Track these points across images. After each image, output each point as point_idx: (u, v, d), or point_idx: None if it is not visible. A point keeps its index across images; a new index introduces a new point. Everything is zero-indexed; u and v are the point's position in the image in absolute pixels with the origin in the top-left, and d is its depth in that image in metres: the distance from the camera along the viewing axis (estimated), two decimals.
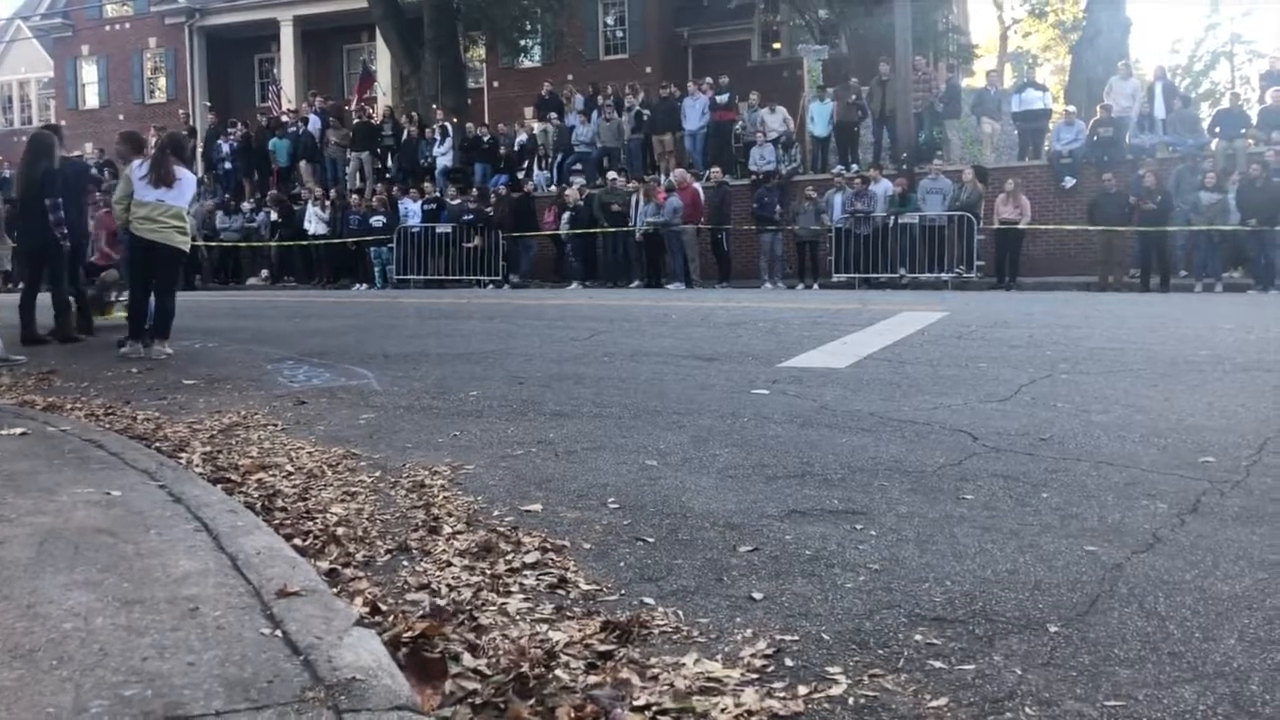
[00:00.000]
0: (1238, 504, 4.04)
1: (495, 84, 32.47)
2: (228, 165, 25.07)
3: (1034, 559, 3.47)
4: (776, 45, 31.72)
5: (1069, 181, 17.80)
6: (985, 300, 13.97)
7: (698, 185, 18.82)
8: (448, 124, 23.03)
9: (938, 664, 2.69)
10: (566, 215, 19.71)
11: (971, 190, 17.04)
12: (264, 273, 23.56)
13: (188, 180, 9.50)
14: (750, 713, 2.41)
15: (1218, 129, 17.97)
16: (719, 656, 2.74)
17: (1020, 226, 16.58)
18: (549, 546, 3.64)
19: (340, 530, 3.85)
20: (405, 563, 3.53)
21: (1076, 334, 9.41)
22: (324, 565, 3.42)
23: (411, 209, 21.30)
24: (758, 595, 3.19)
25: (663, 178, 19.86)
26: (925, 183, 17.63)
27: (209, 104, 33.02)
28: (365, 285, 21.34)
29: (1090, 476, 4.51)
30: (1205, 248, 15.70)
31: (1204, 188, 15.53)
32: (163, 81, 36.84)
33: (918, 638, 2.85)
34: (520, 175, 22.13)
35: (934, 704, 2.46)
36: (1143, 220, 15.65)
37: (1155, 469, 4.61)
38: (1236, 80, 38.77)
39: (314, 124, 24.57)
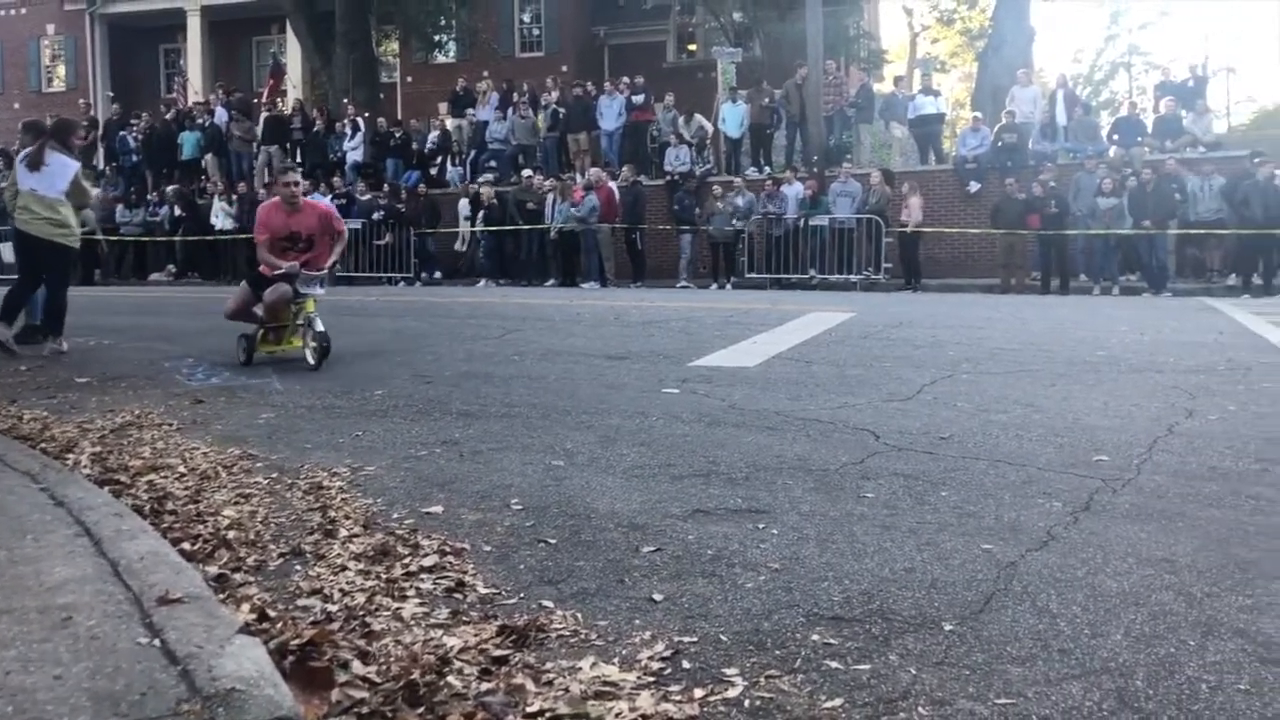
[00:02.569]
0: (1128, 502, 4.14)
1: (409, 79, 32.02)
2: (133, 158, 24.28)
3: (931, 557, 3.51)
4: (692, 47, 31.84)
5: (974, 186, 18.18)
6: (891, 301, 14.20)
7: (613, 185, 18.80)
8: (359, 119, 22.63)
9: (834, 664, 2.69)
10: (481, 213, 19.52)
11: (880, 194, 17.31)
12: (169, 268, 22.87)
13: (58, 166, 8.87)
14: (645, 717, 2.39)
15: (1115, 136, 18.52)
16: (616, 660, 2.71)
17: (910, 229, 16.87)
18: (448, 549, 3.58)
19: (232, 534, 3.73)
20: (298, 567, 3.43)
21: (978, 335, 9.60)
22: (212, 570, 3.31)
23: None
24: (658, 596, 3.17)
25: (578, 177, 19.79)
26: (835, 186, 17.85)
27: (111, 94, 31.95)
28: None
29: (988, 475, 4.59)
30: (1102, 251, 16.17)
31: (1101, 193, 16.00)
32: (62, 70, 35.53)
33: (815, 638, 2.86)
34: (433, 171, 21.85)
35: (829, 705, 2.47)
36: (1043, 224, 16.06)
37: (1051, 468, 4.71)
38: (1134, 90, 40.16)
39: (221, 117, 23.93)
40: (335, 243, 8.47)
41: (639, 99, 20.78)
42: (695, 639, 2.85)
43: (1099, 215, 15.92)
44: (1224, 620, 2.95)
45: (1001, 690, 2.55)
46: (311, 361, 7.87)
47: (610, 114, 20.77)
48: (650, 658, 2.71)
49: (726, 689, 2.54)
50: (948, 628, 2.92)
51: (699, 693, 2.51)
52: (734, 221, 17.94)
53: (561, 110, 21.40)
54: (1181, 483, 4.40)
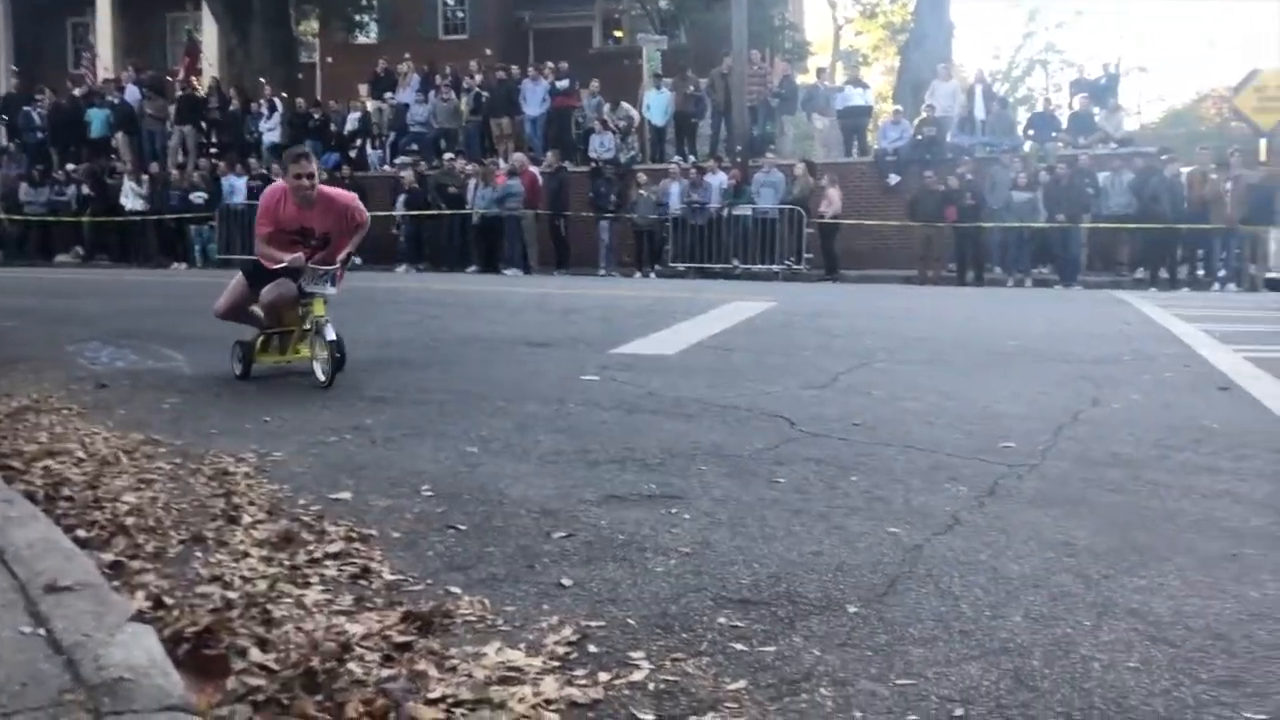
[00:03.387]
0: (1032, 487, 4.24)
1: (329, 60, 31.35)
2: (37, 134, 23.45)
3: (839, 541, 3.55)
4: (618, 33, 31.73)
5: (893, 178, 18.42)
6: (812, 291, 14.34)
7: (536, 170, 18.67)
8: (276, 99, 22.15)
9: (739, 646, 2.70)
10: (401, 197, 19.25)
11: (803, 184, 17.45)
12: (77, 250, 22.16)
13: None
14: (549, 701, 2.37)
15: (1031, 132, 18.93)
16: (523, 645, 2.69)
17: (827, 220, 17.07)
18: (355, 536, 3.52)
19: (130, 520, 3.62)
20: (199, 554, 3.34)
21: (894, 325, 9.75)
22: (107, 558, 3.21)
23: (236, 185, 20.41)
24: (567, 582, 3.15)
25: (501, 162, 19.61)
26: (759, 176, 17.94)
27: (15, 68, 30.79)
28: (185, 265, 20.34)
29: (898, 461, 4.66)
30: (1016, 244, 16.52)
31: (1016, 187, 16.33)
32: None
33: (722, 620, 2.87)
34: (353, 154, 21.48)
35: (732, 687, 2.47)
36: (959, 217, 16.35)
37: (959, 454, 4.79)
38: (1050, 87, 41.05)
39: (132, 94, 23.21)
40: (354, 233, 6.88)
41: (563, 84, 20.66)
42: (603, 623, 2.84)
43: (1014, 209, 16.25)
44: (1118, 601, 3.03)
45: (903, 671, 2.58)
46: (321, 378, 6.38)
47: (534, 99, 20.62)
48: (557, 642, 2.69)
49: (632, 672, 2.54)
50: (852, 610, 2.95)
51: (604, 676, 2.51)
52: (659, 209, 17.95)
53: (484, 94, 21.18)
54: (1084, 469, 4.51)
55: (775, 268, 17.16)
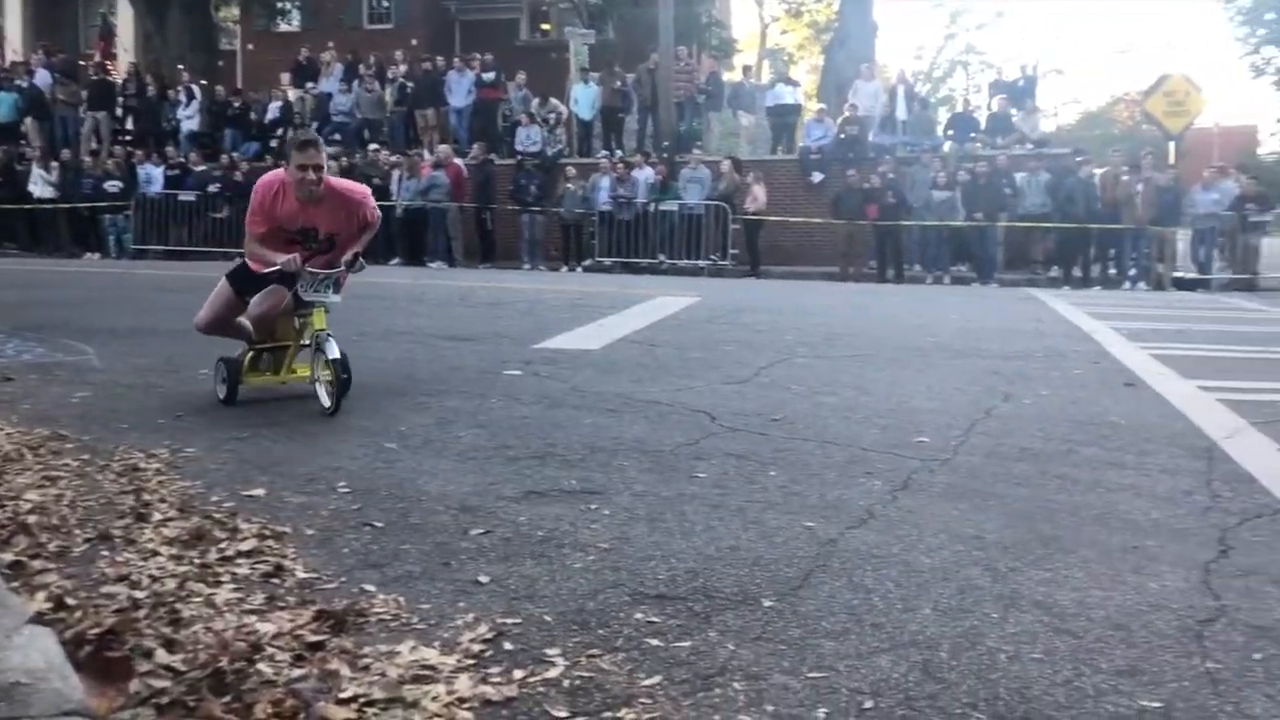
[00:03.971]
0: (944, 481, 4.33)
1: (250, 47, 30.74)
2: None
3: (756, 535, 3.59)
4: (546, 26, 31.59)
5: (817, 176, 18.63)
6: (736, 287, 14.45)
7: (460, 162, 18.52)
8: (194, 86, 21.64)
9: (655, 642, 2.72)
10: None
11: (729, 181, 17.57)
12: None
13: None
14: (462, 700, 2.36)
15: (951, 132, 19.29)
16: (437, 643, 2.67)
17: (752, 216, 17.21)
18: (268, 533, 3.46)
19: (33, 518, 3.52)
20: (105, 553, 3.26)
21: (815, 321, 9.87)
22: (7, 557, 3.11)
23: (153, 175, 19.91)
24: (484, 579, 3.14)
25: (426, 153, 19.41)
26: (686, 172, 18.02)
27: None
28: (98, 255, 19.78)
29: (815, 455, 4.72)
30: (935, 242, 16.84)
31: (936, 186, 16.64)
32: None
33: (639, 616, 2.88)
34: (274, 144, 21.08)
35: (647, 683, 2.49)
36: (881, 215, 16.61)
37: (875, 448, 4.88)
38: (970, 88, 41.88)
39: (43, 79, 22.49)
40: (363, 232, 5.87)
41: (489, 76, 20.51)
42: (519, 620, 2.83)
43: (933, 207, 16.55)
44: (1025, 593, 3.11)
45: (815, 664, 2.62)
46: (326, 403, 5.46)
47: (460, 90, 20.43)
48: (472, 640, 2.68)
49: (547, 669, 2.54)
50: (767, 604, 2.99)
51: (519, 674, 2.50)
52: (586, 202, 17.92)
53: (409, 85, 20.94)
54: (994, 463, 4.62)
55: (701, 263, 17.26)
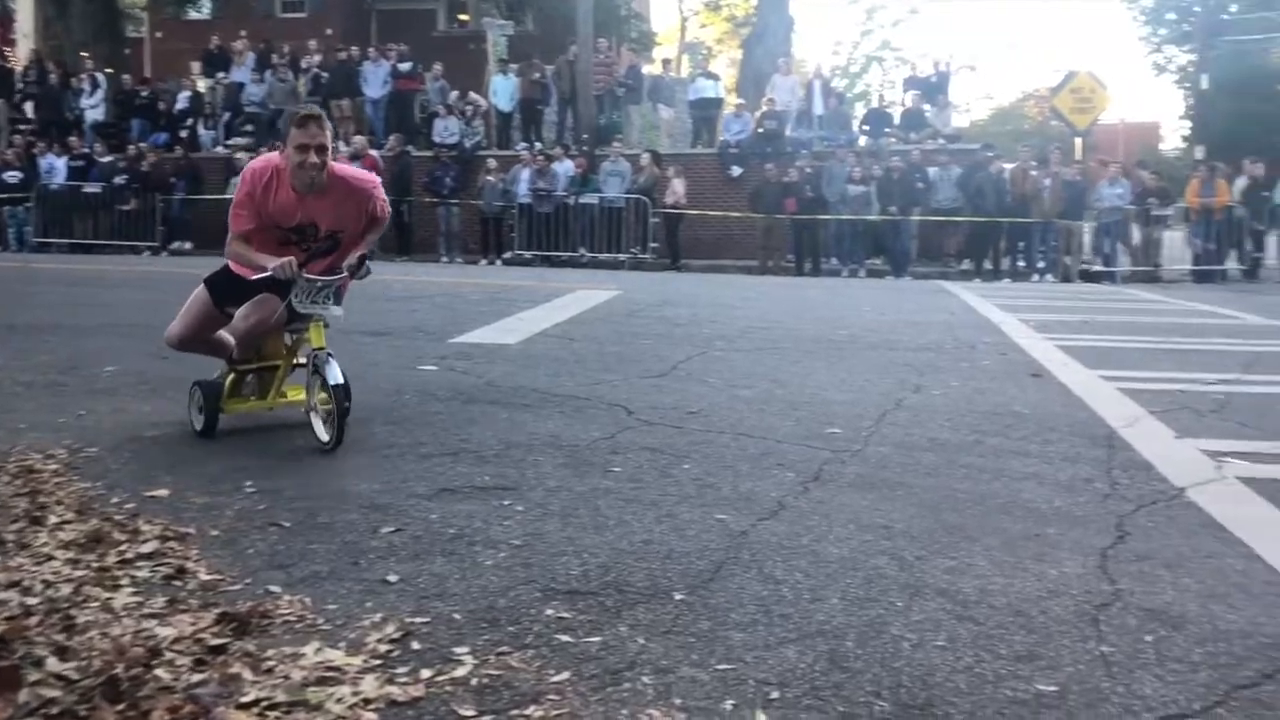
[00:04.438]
0: (854, 472, 4.39)
1: (158, 35, 29.92)
2: None
3: (669, 529, 3.60)
4: (464, 17, 31.26)
5: (735, 170, 18.77)
6: (656, 281, 14.48)
7: (376, 154, 18.25)
8: (99, 74, 21.00)
9: (565, 638, 2.72)
10: (235, 179, 18.54)
11: (649, 174, 17.61)
12: None
13: None
14: (368, 701, 2.33)
15: (866, 127, 19.58)
16: (343, 644, 2.63)
17: (672, 209, 17.29)
18: (171, 535, 3.38)
19: None
20: None
21: (733, 314, 9.94)
22: None
23: (56, 165, 19.29)
24: (393, 578, 3.10)
25: (342, 145, 19.08)
26: (606, 165, 18.01)
27: None
28: None
29: (730, 448, 4.75)
30: (851, 236, 17.09)
31: (851, 181, 16.88)
32: None
33: (550, 613, 2.88)
34: (183, 134, 20.56)
35: (556, 679, 2.49)
36: (798, 209, 16.79)
37: (789, 440, 4.93)
38: (885, 83, 42.51)
39: None
40: (370, 231, 4.98)
41: (406, 67, 20.25)
42: (428, 619, 2.81)
43: (849, 202, 16.78)
44: (929, 582, 3.17)
45: (723, 656, 2.64)
46: (325, 437, 4.61)
47: (375, 81, 20.15)
48: (379, 640, 2.65)
49: (455, 668, 2.52)
50: (678, 597, 3.01)
51: (426, 673, 2.48)
52: (506, 196, 17.80)
53: (324, 75, 20.58)
54: (903, 454, 4.71)
55: (621, 256, 17.27)
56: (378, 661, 2.54)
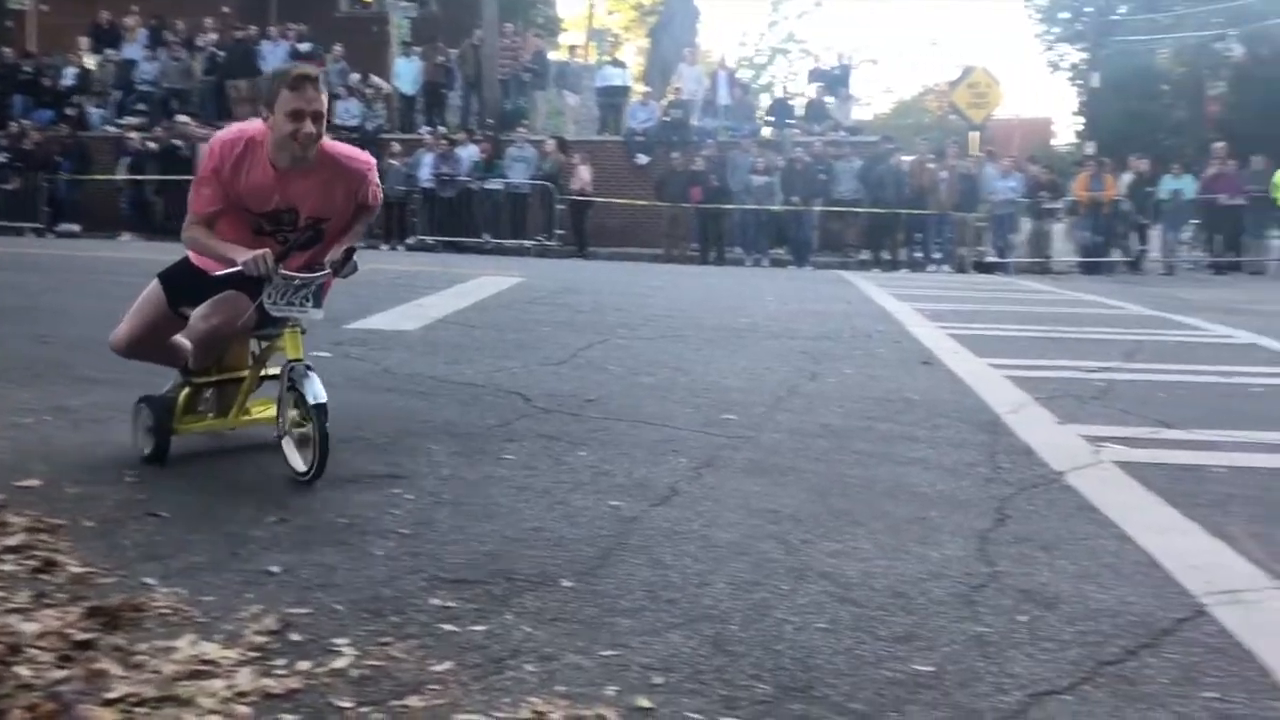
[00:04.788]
0: (747, 458, 4.44)
1: (43, 8, 28.68)
2: None
3: (560, 516, 3.60)
4: None
5: (642, 158, 18.82)
6: (561, 268, 14.45)
7: None
8: None
9: (450, 627, 2.69)
10: (127, 160, 17.93)
11: (554, 161, 17.54)
12: None
13: None
14: (242, 694, 2.28)
15: (770, 118, 19.80)
16: (219, 637, 2.57)
17: (577, 196, 17.27)
18: (41, 526, 3.25)
19: None
20: None
21: (637, 302, 9.97)
22: None
23: None
24: (275, 569, 3.04)
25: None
26: (511, 150, 17.90)
27: None
28: None
29: (627, 435, 4.77)
30: (755, 226, 17.29)
31: (755, 171, 17.06)
32: None
33: (435, 602, 2.85)
34: (69, 112, 19.81)
35: (438, 668, 2.46)
36: (704, 199, 16.92)
37: (686, 427, 4.96)
38: (789, 75, 42.95)
39: None
40: (358, 220, 4.20)
41: (305, 47, 19.82)
42: (309, 610, 2.75)
43: (753, 191, 16.97)
44: (814, 565, 3.22)
45: (609, 642, 2.65)
46: (300, 466, 3.88)
47: (274, 61, 19.59)
48: (257, 632, 2.59)
49: (334, 659, 2.47)
50: (566, 584, 3.00)
51: (304, 665, 2.43)
52: (409, 181, 17.55)
53: (220, 54, 20.03)
54: (796, 440, 4.77)
55: (526, 243, 17.19)
56: (254, 654, 2.48)
